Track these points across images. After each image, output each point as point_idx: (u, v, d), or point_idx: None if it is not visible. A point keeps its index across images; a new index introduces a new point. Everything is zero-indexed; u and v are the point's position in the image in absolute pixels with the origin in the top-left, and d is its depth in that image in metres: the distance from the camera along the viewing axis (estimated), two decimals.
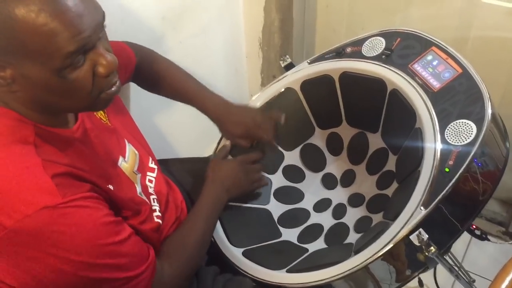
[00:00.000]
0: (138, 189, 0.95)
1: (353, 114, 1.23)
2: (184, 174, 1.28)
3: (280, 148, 1.28)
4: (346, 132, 1.25)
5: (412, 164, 0.99)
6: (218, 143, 1.29)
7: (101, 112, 0.99)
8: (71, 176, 0.75)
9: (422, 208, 0.88)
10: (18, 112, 0.75)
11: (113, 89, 0.79)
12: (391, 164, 1.14)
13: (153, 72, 1.19)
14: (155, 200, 1.01)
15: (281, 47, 1.80)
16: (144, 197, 0.96)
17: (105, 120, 0.99)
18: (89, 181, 0.78)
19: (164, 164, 1.29)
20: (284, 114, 1.20)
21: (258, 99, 1.25)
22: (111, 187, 0.85)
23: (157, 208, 1.00)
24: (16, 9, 0.64)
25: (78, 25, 0.68)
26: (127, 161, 0.99)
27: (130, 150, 1.02)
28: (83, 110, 0.83)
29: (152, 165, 1.08)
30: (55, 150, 0.76)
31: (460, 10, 1.43)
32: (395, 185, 1.09)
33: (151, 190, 1.02)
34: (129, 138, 1.04)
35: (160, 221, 0.98)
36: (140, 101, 1.42)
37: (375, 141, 1.20)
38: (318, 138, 1.29)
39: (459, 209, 0.94)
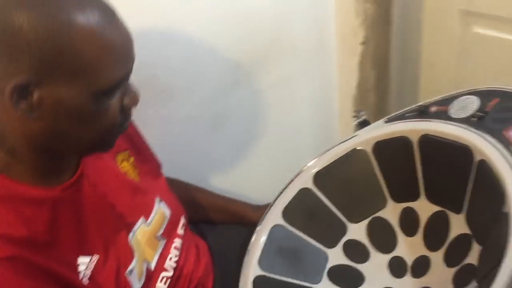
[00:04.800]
0: (132, 265, 0.81)
1: (433, 187, 1.00)
2: (234, 240, 1.09)
3: (343, 219, 1.08)
4: (424, 208, 1.01)
5: (492, 260, 0.73)
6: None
7: (130, 166, 0.90)
8: None
9: None
10: None
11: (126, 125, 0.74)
12: (473, 256, 0.88)
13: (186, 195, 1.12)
14: (164, 280, 0.87)
15: (377, 107, 1.61)
16: (131, 278, 0.80)
17: (132, 175, 0.89)
18: (29, 250, 0.66)
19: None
20: None
21: (319, 162, 1.07)
22: (95, 257, 0.74)
23: None
24: (76, 17, 0.59)
25: (129, 52, 0.64)
26: (150, 224, 0.87)
27: (158, 211, 0.90)
28: (93, 147, 0.73)
29: (181, 231, 0.95)
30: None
31: None
32: (474, 285, 0.83)
33: (171, 262, 0.89)
34: (161, 196, 0.93)
35: None
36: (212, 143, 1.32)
37: (458, 224, 0.94)
38: (390, 212, 1.06)
39: None
